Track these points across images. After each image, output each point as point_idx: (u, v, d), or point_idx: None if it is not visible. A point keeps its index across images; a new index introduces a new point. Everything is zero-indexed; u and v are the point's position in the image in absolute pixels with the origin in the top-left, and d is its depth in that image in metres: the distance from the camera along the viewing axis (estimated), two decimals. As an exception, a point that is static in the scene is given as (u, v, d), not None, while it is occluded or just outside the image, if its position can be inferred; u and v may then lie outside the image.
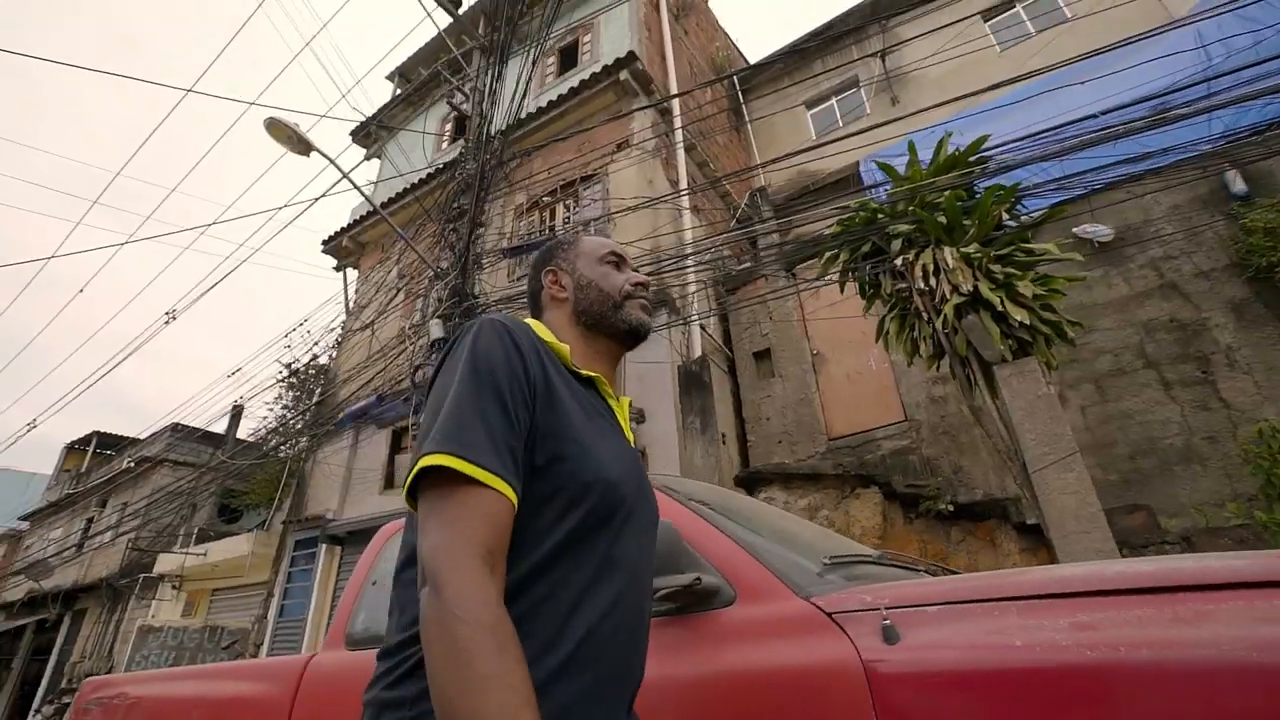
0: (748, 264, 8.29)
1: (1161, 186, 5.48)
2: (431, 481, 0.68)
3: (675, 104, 8.90)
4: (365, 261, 11.40)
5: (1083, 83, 5.56)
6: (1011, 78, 5.23)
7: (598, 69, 8.64)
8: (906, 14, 10.90)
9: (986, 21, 10.51)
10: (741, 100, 12.50)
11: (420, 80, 12.02)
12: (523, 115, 9.35)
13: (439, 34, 9.51)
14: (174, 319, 10.28)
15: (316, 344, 10.08)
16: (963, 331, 4.22)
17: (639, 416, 6.40)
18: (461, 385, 0.73)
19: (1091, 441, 5.43)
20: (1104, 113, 4.35)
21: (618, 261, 1.03)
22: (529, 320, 0.91)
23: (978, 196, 4.53)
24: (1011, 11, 10.39)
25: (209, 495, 12.09)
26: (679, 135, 8.67)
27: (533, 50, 6.93)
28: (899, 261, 4.52)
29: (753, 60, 13.52)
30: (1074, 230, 5.98)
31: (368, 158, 13.49)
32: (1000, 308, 3.93)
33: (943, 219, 4.39)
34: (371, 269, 11.14)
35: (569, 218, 8.64)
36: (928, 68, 10.09)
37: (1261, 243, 4.98)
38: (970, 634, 0.99)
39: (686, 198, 7.94)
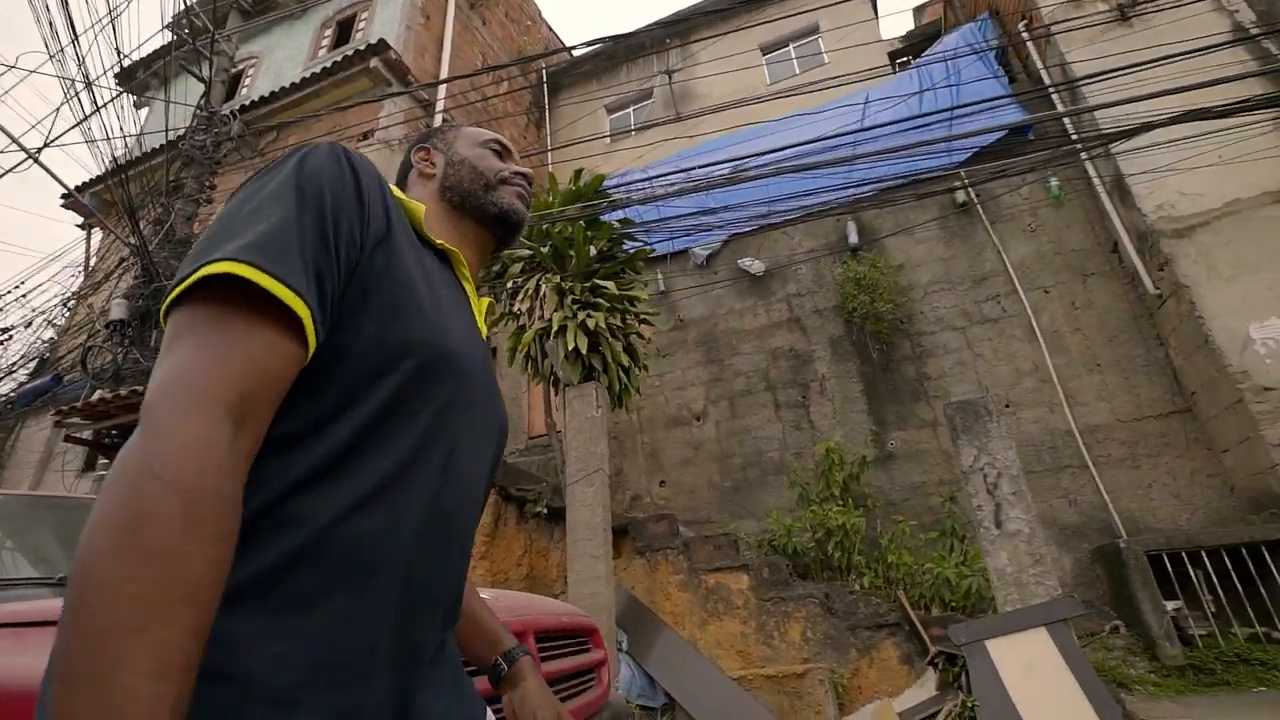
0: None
1: (789, 224, 6.27)
2: (201, 299, 0.50)
3: (440, 94, 8.88)
4: (111, 221, 10.47)
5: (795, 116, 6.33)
6: (735, 99, 5.66)
7: (350, 52, 8.44)
8: (702, 37, 11.53)
9: (764, 55, 11.36)
10: (546, 98, 12.65)
11: (183, 31, 11.08)
12: (278, 88, 9.00)
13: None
14: None
15: (34, 309, 9.18)
16: (549, 355, 4.65)
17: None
18: (274, 196, 0.56)
19: (719, 452, 6.15)
20: (694, 168, 4.90)
21: (500, 151, 0.91)
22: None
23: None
24: (784, 49, 11.30)
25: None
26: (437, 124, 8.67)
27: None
28: (510, 285, 4.88)
29: (570, 58, 13.68)
30: (738, 262, 6.69)
31: (137, 107, 12.33)
32: (557, 335, 4.37)
33: (545, 249, 4.78)
34: (119, 229, 10.26)
35: (308, 201, 8.43)
36: (707, 83, 10.80)
37: (852, 290, 5.84)
38: None
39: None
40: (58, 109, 6.36)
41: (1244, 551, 3.81)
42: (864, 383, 5.80)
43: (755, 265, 6.57)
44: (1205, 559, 3.87)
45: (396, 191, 0.75)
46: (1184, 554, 3.91)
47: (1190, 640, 3.80)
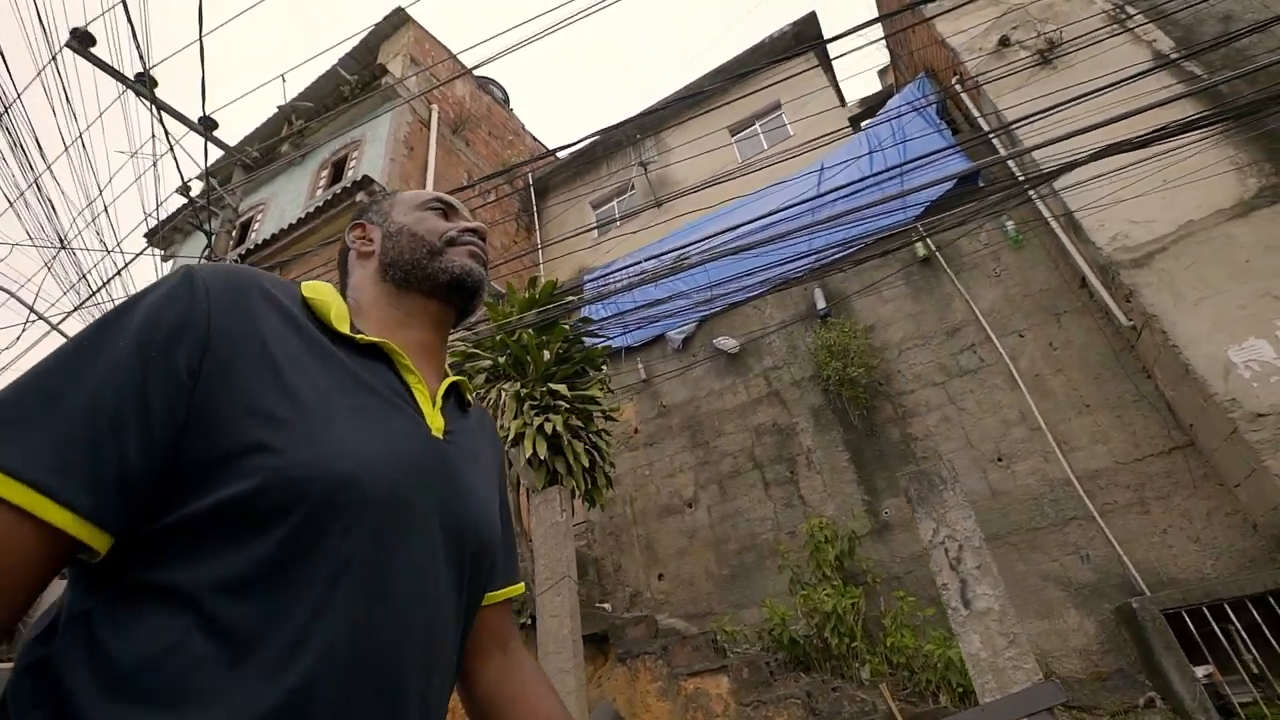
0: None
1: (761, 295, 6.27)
2: None
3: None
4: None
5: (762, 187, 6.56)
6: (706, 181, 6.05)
7: (339, 190, 9.09)
8: (671, 125, 12.15)
9: (733, 136, 11.82)
10: (534, 202, 13.28)
11: (198, 191, 12.13)
12: (278, 229, 9.68)
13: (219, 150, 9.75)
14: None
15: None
16: (512, 463, 4.62)
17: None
18: (64, 349, 0.50)
19: (712, 539, 5.92)
20: (643, 260, 5.00)
21: (444, 210, 0.81)
22: (307, 284, 0.67)
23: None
24: (751, 128, 11.76)
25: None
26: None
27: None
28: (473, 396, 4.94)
29: (556, 162, 14.43)
30: (713, 342, 6.69)
31: (164, 259, 13.37)
32: (515, 444, 4.36)
33: (501, 358, 4.86)
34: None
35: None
36: (682, 170, 11.28)
37: (827, 358, 5.74)
38: None
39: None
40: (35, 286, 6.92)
41: (1271, 600, 3.42)
42: (850, 451, 5.58)
43: (729, 343, 6.55)
44: (1230, 613, 3.48)
45: (308, 291, 0.66)
46: (1205, 609, 3.53)
47: (1232, 713, 3.36)
